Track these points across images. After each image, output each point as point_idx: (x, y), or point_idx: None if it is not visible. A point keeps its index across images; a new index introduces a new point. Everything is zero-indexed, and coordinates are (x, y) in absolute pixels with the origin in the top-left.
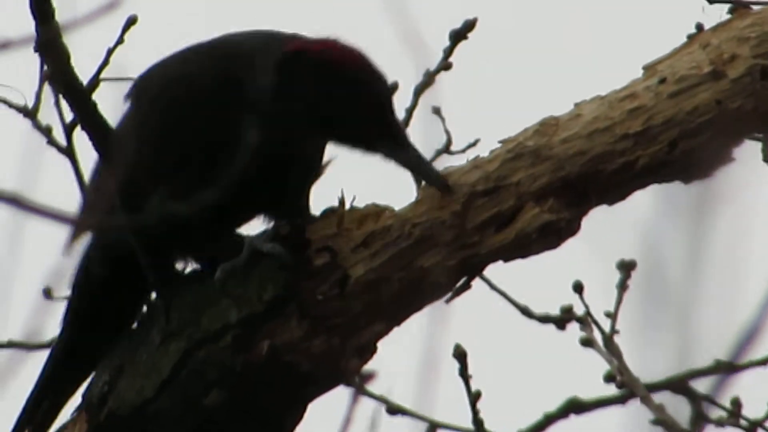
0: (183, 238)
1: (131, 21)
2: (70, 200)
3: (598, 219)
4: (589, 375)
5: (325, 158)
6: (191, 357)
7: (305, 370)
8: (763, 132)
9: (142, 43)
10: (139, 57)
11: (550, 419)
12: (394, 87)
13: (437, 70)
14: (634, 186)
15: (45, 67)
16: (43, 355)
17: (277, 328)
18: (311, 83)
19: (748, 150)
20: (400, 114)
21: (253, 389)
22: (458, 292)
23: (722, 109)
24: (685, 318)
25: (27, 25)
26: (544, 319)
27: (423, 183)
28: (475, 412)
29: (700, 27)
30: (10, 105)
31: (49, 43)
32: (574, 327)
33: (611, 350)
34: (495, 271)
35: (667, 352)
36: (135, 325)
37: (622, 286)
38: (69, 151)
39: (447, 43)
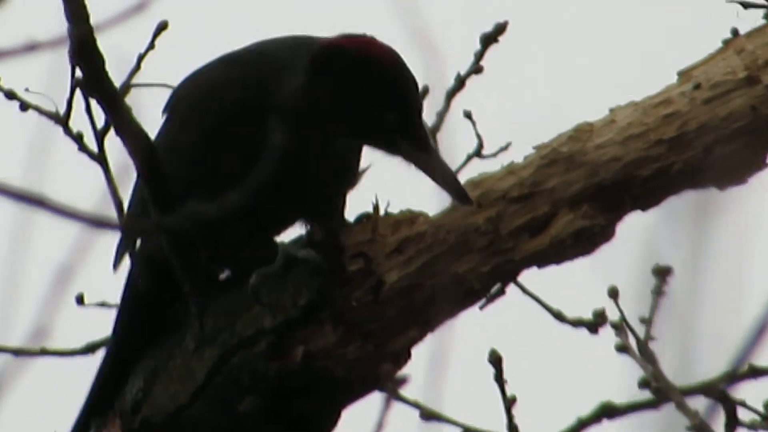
0: (216, 244)
1: (162, 26)
2: (101, 205)
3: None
4: (623, 381)
5: (362, 166)
6: (226, 363)
7: (339, 376)
8: None
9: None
10: (170, 63)
11: (583, 423)
12: (425, 91)
13: (468, 74)
14: (668, 192)
15: (76, 73)
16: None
17: (312, 334)
18: (343, 77)
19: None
20: (431, 118)
21: (287, 395)
22: (492, 298)
23: (757, 115)
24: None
25: (52, 27)
26: (577, 323)
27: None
28: (510, 417)
29: (735, 32)
30: (42, 111)
31: (84, 48)
32: (609, 333)
33: (646, 356)
34: (529, 276)
35: (672, 357)
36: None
37: (658, 292)
38: (101, 158)
39: (477, 46)
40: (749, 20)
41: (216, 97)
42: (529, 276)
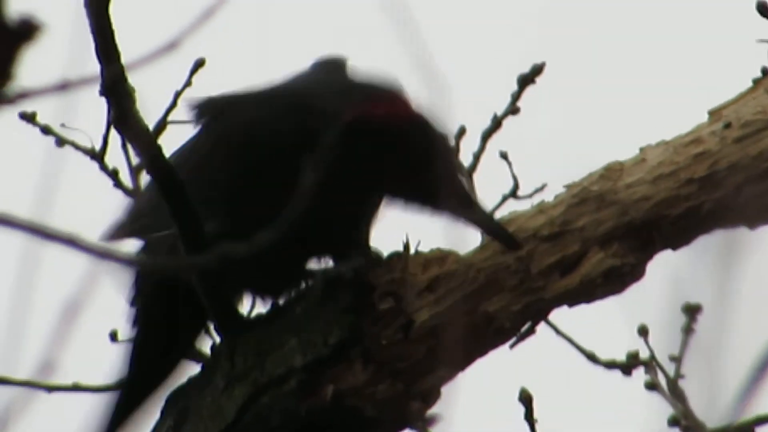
0: (246, 279)
1: (199, 63)
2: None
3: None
4: (653, 418)
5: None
6: (255, 402)
7: (369, 415)
8: None
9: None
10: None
11: None
12: (461, 131)
13: (505, 115)
14: (699, 231)
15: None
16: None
17: (342, 372)
18: (376, 148)
19: None
20: (467, 159)
21: None
22: (522, 337)
23: None
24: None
25: (88, 65)
26: (610, 365)
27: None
28: None
29: (765, 71)
30: (78, 147)
31: (114, 87)
32: (638, 370)
33: (676, 394)
34: (557, 313)
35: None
36: (199, 369)
37: (687, 330)
38: (136, 194)
39: (514, 87)
40: None
41: (266, 129)
42: (558, 313)
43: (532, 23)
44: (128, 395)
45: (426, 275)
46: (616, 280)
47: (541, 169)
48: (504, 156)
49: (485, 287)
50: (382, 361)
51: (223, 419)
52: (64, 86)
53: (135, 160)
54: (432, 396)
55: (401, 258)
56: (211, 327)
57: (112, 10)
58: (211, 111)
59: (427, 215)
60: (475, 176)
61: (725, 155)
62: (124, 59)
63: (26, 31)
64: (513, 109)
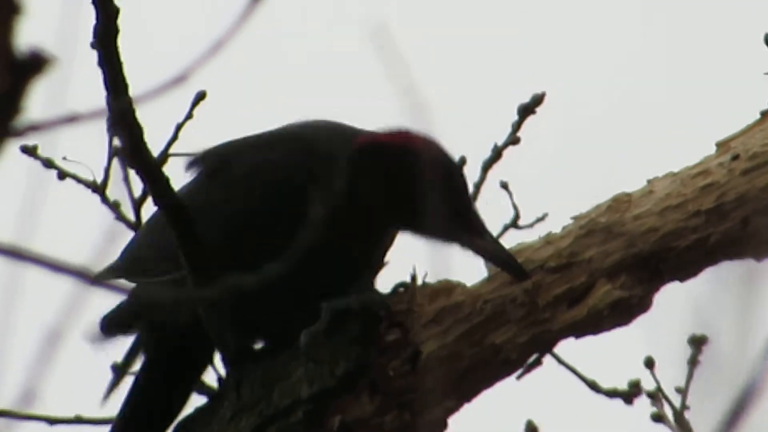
0: (253, 311)
1: (200, 96)
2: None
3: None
4: None
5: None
6: None
7: None
8: None
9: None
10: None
11: None
12: (462, 162)
13: (505, 145)
14: (706, 263)
15: (114, 143)
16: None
17: (349, 403)
18: (385, 176)
19: None
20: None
21: None
22: (529, 369)
23: None
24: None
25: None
26: (612, 394)
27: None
28: None
29: None
30: (79, 180)
31: (123, 118)
32: (644, 402)
33: (682, 426)
34: (566, 345)
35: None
36: (206, 400)
37: (693, 362)
38: (138, 227)
39: (515, 117)
40: None
41: (276, 172)
42: (566, 345)
43: (532, 53)
44: (134, 429)
45: (433, 306)
46: (623, 311)
47: (542, 199)
48: (505, 186)
49: (492, 319)
50: (389, 392)
51: None
52: (72, 119)
53: (137, 192)
54: (439, 427)
55: (408, 289)
56: (218, 358)
57: (120, 42)
58: (215, 159)
59: (436, 243)
60: (476, 206)
61: (733, 187)
62: (132, 92)
63: (35, 64)
64: (513, 140)
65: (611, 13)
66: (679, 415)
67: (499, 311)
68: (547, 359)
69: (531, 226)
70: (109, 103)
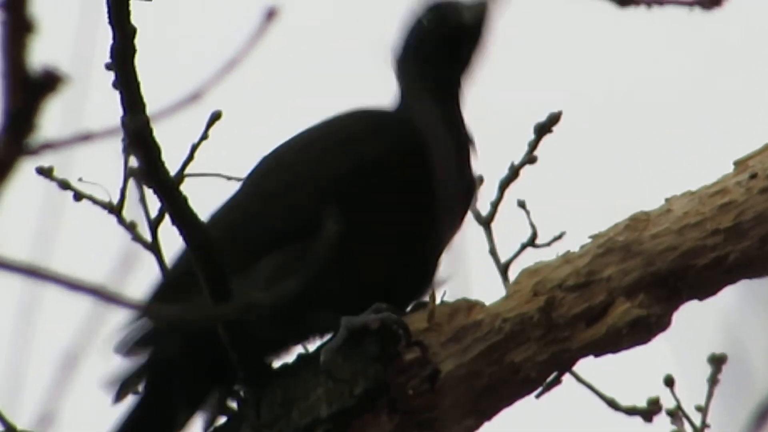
0: (272, 329)
1: (215, 116)
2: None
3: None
4: None
5: None
6: None
7: None
8: None
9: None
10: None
11: None
12: (479, 180)
13: (522, 164)
14: (725, 281)
15: (130, 162)
16: None
17: (368, 422)
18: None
19: None
20: (485, 208)
21: None
22: (549, 387)
23: None
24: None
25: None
26: (631, 412)
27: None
28: None
29: None
30: (96, 201)
31: (140, 137)
32: (664, 421)
33: None
34: (587, 363)
35: None
36: (225, 419)
37: (713, 380)
38: (154, 247)
39: (531, 136)
40: None
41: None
42: (585, 363)
43: (548, 71)
44: None
45: (452, 325)
46: (642, 330)
47: (559, 218)
48: (522, 205)
49: (511, 337)
50: (408, 411)
51: None
52: (86, 137)
53: (153, 213)
54: None
55: (427, 308)
56: (238, 377)
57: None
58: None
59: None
60: (493, 225)
61: (751, 206)
62: (149, 111)
63: (49, 82)
64: (530, 159)
65: (631, 29)
66: None
67: (518, 330)
68: (566, 377)
69: (548, 244)
70: (124, 122)
